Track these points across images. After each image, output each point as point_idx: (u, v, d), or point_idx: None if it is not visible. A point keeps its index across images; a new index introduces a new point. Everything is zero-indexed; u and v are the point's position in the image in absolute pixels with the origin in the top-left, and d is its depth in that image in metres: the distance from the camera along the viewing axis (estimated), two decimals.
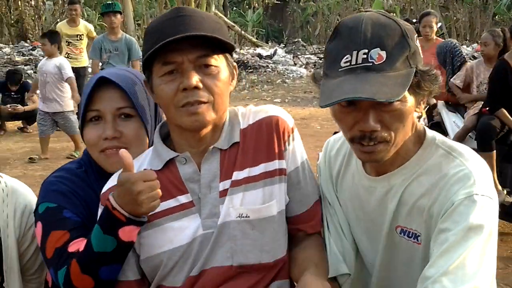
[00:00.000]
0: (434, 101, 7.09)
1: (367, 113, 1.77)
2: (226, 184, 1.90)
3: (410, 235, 1.89)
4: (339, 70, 1.76)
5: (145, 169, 1.91)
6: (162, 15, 1.92)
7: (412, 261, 1.91)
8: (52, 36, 9.46)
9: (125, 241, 1.84)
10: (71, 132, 9.27)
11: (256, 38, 28.37)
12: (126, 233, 1.83)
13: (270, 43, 28.16)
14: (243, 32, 27.31)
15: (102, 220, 1.85)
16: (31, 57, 21.06)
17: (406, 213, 1.89)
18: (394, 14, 21.39)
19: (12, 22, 30.63)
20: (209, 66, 1.83)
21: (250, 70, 19.95)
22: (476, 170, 1.80)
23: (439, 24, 16.42)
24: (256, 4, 34.73)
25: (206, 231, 1.88)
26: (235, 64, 1.96)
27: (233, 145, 1.95)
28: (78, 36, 11.24)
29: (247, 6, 34.05)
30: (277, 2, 35.04)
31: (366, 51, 1.73)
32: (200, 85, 1.80)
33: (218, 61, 1.85)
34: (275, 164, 1.93)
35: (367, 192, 2.00)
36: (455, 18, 29.64)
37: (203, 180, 1.91)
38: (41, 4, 31.49)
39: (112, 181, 1.96)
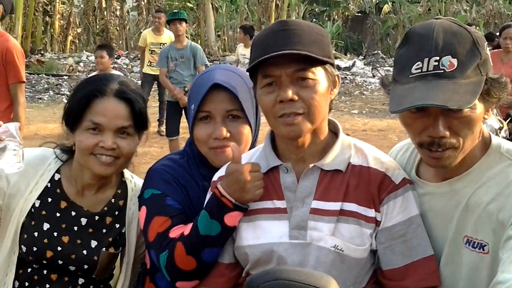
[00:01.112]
0: None
1: (436, 119, 1.81)
2: (319, 204, 1.99)
3: (475, 246, 1.89)
4: (410, 76, 1.81)
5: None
6: (268, 26, 2.06)
7: (477, 273, 1.90)
8: (111, 50, 9.35)
9: (230, 225, 2.02)
10: None
11: (335, 50, 28.31)
12: (231, 218, 2.01)
13: (348, 55, 28.08)
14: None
15: (210, 206, 2.04)
16: (115, 65, 21.75)
17: (474, 222, 1.89)
18: (478, 27, 20.98)
19: (98, 31, 31.64)
20: (306, 79, 1.92)
21: None
22: None
23: None
24: (336, 16, 34.70)
25: (292, 241, 1.97)
26: (337, 73, 2.03)
27: (336, 171, 2.02)
28: (161, 45, 11.45)
29: (326, 18, 34.04)
30: (357, 14, 34.89)
31: (438, 58, 1.77)
32: (296, 97, 1.90)
33: (316, 74, 1.93)
34: (371, 213, 1.99)
35: (427, 199, 2.02)
36: None
37: (298, 194, 2.01)
38: (126, 14, 32.42)
39: (221, 172, 2.13)
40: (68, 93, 17.97)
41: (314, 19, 34.38)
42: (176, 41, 9.75)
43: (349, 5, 35.20)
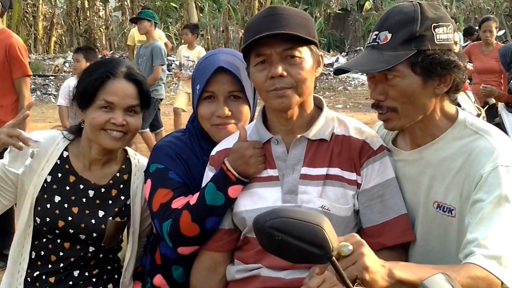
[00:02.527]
0: (493, 101, 7.23)
1: (376, 85, 2.10)
2: (307, 170, 2.22)
3: (445, 210, 2.10)
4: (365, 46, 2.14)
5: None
6: (259, 13, 2.31)
7: (447, 234, 2.11)
8: (89, 53, 8.26)
9: (232, 197, 2.26)
10: None
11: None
12: (234, 190, 2.26)
13: (331, 52, 28.32)
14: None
15: (217, 179, 2.27)
16: None
17: (445, 188, 2.09)
18: (458, 23, 21.28)
19: (81, 32, 31.62)
20: (294, 57, 2.16)
21: None
22: (499, 144, 2.03)
23: (503, 31, 16.36)
24: (318, 14, 34.91)
25: (285, 204, 2.20)
26: (321, 53, 2.28)
27: (321, 140, 2.26)
28: None
29: None
30: (338, 12, 35.13)
31: (377, 32, 2.08)
32: (285, 73, 2.14)
33: (302, 53, 2.17)
34: (353, 176, 2.22)
35: (400, 165, 2.25)
36: None
37: (289, 162, 2.25)
38: (109, 14, 32.41)
39: (219, 146, 2.39)
40: (56, 93, 18.10)
41: None
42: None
43: (331, 2, 35.43)
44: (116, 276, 2.65)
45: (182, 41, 29.21)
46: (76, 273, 2.55)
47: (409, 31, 2.03)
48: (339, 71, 2.24)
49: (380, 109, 2.12)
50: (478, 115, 5.84)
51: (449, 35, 2.08)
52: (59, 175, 2.57)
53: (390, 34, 2.04)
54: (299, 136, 2.25)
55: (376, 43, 2.07)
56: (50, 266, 2.53)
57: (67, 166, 2.59)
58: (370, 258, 1.65)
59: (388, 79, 2.06)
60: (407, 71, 2.03)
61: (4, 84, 5.49)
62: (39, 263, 2.54)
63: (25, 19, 28.06)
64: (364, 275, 1.62)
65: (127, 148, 2.71)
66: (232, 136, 2.39)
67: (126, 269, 2.63)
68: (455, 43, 6.06)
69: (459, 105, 5.61)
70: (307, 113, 2.28)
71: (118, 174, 2.64)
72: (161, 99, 9.60)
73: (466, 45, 11.87)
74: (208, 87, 2.45)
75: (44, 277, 2.53)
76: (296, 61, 2.16)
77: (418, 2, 2.09)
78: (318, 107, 2.34)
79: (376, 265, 1.66)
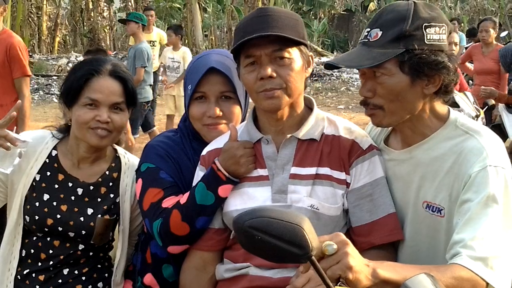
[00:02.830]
0: (493, 102, 7.21)
1: (366, 81, 2.09)
2: (297, 170, 2.23)
3: (434, 210, 2.09)
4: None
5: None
6: (248, 14, 2.31)
7: (436, 234, 2.10)
8: (99, 54, 8.19)
9: (222, 197, 2.26)
10: None
11: (322, 48, 28.55)
12: (224, 190, 2.26)
13: (335, 53, 28.29)
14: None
15: (207, 178, 2.28)
16: None
17: (434, 188, 2.09)
18: (462, 24, 21.24)
19: (85, 32, 31.69)
20: (283, 58, 2.16)
21: (315, 78, 20.21)
22: (489, 144, 2.03)
23: (506, 32, 16.34)
24: (322, 15, 34.92)
25: (274, 204, 2.20)
26: (310, 54, 2.27)
27: (311, 140, 2.26)
28: (151, 42, 11.35)
29: (313, 17, 34.28)
30: (342, 12, 35.16)
31: (369, 29, 2.08)
32: (274, 74, 2.14)
33: (292, 54, 2.17)
34: (342, 175, 2.22)
35: (391, 164, 2.24)
36: None
37: (279, 162, 2.25)
38: (113, 15, 32.47)
39: (210, 146, 2.40)
40: (58, 93, 18.14)
41: (301, 17, 34.55)
42: None
43: (335, 3, 35.45)
44: (106, 274, 2.66)
45: (186, 41, 29.34)
46: (65, 271, 2.55)
47: (399, 30, 2.02)
48: (328, 66, 2.23)
49: (366, 106, 2.12)
50: (477, 116, 5.83)
51: (441, 36, 2.06)
52: (48, 173, 2.58)
53: (381, 32, 2.04)
54: (289, 136, 2.25)
55: (366, 40, 2.07)
56: (39, 264, 2.54)
57: (55, 165, 2.60)
58: (354, 257, 1.65)
59: (377, 77, 2.06)
60: (394, 70, 2.03)
61: (4, 83, 5.53)
62: (29, 261, 2.55)
63: (29, 19, 28.14)
64: (347, 274, 1.63)
65: (117, 147, 2.72)
66: (223, 136, 2.40)
67: (117, 267, 2.63)
68: (455, 44, 5.99)
69: (457, 106, 5.61)
70: (297, 113, 2.28)
71: (107, 172, 2.65)
72: (147, 102, 9.54)
73: (468, 46, 11.89)
74: (200, 88, 2.45)
75: (33, 275, 2.53)
76: (285, 62, 2.16)
77: (414, 1, 2.08)
78: (309, 107, 2.35)
79: (360, 265, 1.66)
